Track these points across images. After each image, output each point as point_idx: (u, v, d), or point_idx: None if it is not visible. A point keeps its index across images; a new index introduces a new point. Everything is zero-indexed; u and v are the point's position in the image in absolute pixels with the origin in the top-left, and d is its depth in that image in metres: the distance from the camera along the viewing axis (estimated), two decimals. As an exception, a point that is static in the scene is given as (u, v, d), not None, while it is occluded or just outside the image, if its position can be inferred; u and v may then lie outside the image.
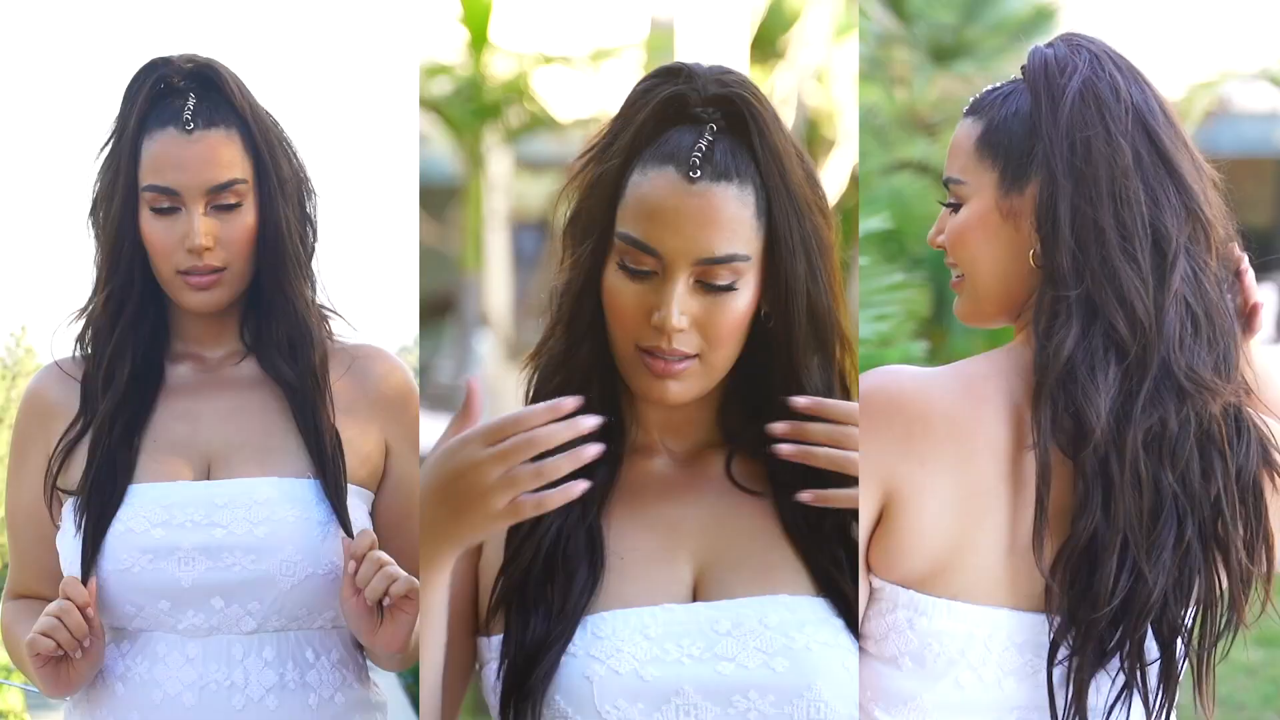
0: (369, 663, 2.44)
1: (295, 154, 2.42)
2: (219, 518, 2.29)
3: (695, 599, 2.06)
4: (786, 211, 2.03)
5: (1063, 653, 2.04)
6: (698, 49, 11.65)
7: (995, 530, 2.04)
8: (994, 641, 2.06)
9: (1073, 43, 2.13)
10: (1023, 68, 2.15)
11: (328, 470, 2.34)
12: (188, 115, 2.33)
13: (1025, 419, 2.06)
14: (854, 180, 11.05)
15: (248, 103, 2.37)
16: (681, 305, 2.01)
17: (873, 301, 4.74)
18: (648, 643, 2.01)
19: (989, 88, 2.18)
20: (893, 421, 2.05)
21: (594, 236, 2.06)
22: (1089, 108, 2.07)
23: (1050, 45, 2.14)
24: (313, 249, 2.43)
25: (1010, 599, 2.05)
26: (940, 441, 2.05)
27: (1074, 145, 2.06)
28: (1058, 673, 2.06)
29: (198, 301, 2.36)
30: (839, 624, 2.04)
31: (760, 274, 2.05)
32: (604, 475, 2.09)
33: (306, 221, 2.43)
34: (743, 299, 2.04)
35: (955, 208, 2.16)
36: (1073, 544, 2.02)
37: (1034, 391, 2.04)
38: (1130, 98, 2.08)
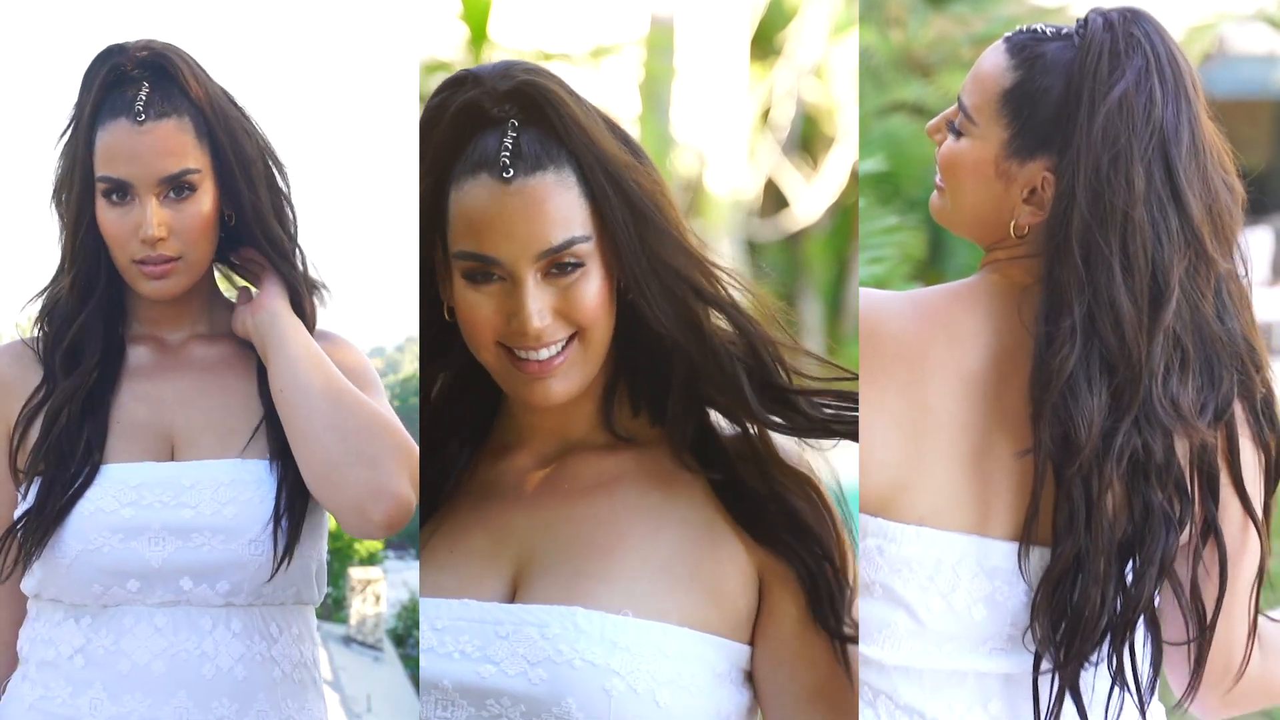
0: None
1: (259, 132, 2.41)
2: (187, 498, 2.31)
3: (515, 600, 2.05)
4: (603, 184, 2.02)
5: (1046, 664, 2.06)
6: (697, 46, 11.65)
7: (948, 449, 2.08)
8: (963, 568, 2.09)
9: (1131, 35, 2.10)
10: (1079, 27, 2.12)
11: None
12: (139, 106, 2.32)
13: (986, 346, 2.11)
14: (854, 177, 11.05)
15: (203, 89, 2.36)
16: (537, 304, 2.01)
17: (868, 244, 4.75)
18: (434, 634, 2.03)
19: (1038, 28, 2.15)
20: (860, 341, 2.10)
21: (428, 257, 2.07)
22: (1120, 122, 2.06)
23: (1110, 25, 2.11)
24: (294, 223, 2.43)
25: (977, 525, 2.09)
26: (888, 361, 2.09)
27: (1098, 165, 2.06)
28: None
29: (154, 290, 2.36)
30: (637, 649, 2.01)
31: (604, 248, 2.04)
32: (440, 468, 2.13)
33: (282, 198, 2.42)
34: (594, 276, 2.04)
35: (956, 131, 2.17)
36: (1059, 564, 2.04)
37: (1034, 406, 2.06)
38: (1162, 118, 2.07)
